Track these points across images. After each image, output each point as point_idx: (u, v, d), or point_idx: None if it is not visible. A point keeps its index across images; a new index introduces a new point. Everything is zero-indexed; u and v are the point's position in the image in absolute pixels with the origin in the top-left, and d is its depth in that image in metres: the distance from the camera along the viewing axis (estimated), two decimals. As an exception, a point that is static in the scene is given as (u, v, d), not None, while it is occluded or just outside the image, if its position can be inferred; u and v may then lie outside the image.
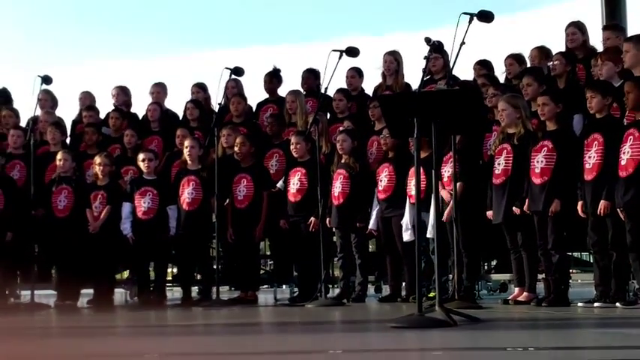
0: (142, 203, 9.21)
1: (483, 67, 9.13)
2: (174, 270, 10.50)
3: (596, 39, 8.82)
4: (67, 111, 11.20)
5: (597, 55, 8.00)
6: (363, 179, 8.85)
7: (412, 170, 7.74)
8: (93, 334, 6.57)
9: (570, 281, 7.82)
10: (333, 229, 9.00)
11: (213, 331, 6.76)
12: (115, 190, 9.37)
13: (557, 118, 7.50)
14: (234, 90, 10.19)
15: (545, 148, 7.41)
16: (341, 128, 9.24)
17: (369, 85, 10.09)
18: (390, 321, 5.78)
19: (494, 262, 9.55)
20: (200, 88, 10.66)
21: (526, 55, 8.98)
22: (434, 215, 7.05)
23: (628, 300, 6.98)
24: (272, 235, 9.68)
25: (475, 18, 7.27)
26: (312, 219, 8.88)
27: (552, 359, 3.92)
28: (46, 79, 9.66)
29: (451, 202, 7.68)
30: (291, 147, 9.17)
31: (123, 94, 10.87)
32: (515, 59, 8.94)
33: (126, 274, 10.39)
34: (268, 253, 10.58)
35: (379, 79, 9.82)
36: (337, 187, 8.86)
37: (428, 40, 7.51)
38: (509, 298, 7.92)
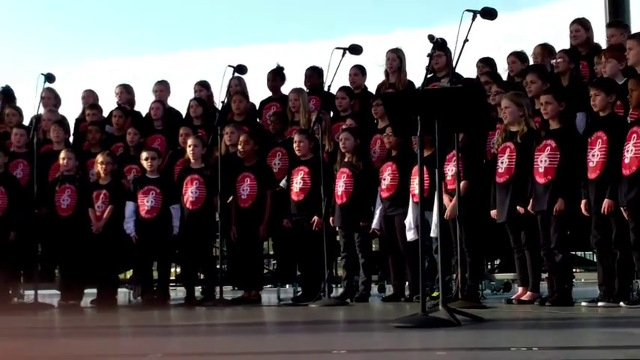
0: (145, 202, 9.20)
1: (486, 64, 9.11)
2: (178, 269, 10.50)
3: (600, 36, 8.82)
4: (70, 109, 11.21)
5: (601, 53, 7.97)
6: (366, 178, 8.83)
7: (415, 169, 7.76)
8: (96, 333, 6.58)
9: (574, 280, 7.78)
10: (337, 229, 8.98)
11: (216, 330, 6.76)
12: (117, 189, 9.36)
13: (560, 117, 7.48)
14: (238, 88, 10.17)
15: (549, 148, 7.38)
16: (344, 126, 9.23)
17: (372, 83, 10.09)
18: (394, 321, 5.77)
19: (497, 262, 9.53)
20: (203, 87, 10.64)
21: (529, 52, 8.96)
22: (437, 214, 7.04)
23: (632, 299, 6.94)
24: (275, 235, 9.67)
25: (478, 15, 7.25)
26: (316, 218, 8.86)
27: (556, 358, 3.90)
28: (49, 78, 9.66)
29: (453, 200, 7.67)
30: (294, 145, 9.16)
31: (126, 93, 10.86)
32: (517, 57, 8.92)
33: (129, 273, 10.37)
34: (272, 252, 10.57)
35: (382, 77, 9.81)
36: (340, 186, 8.84)
37: (431, 38, 7.50)
38: (513, 297, 7.90)
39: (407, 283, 8.75)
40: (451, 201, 7.74)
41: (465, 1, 7.73)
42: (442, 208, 7.11)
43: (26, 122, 10.36)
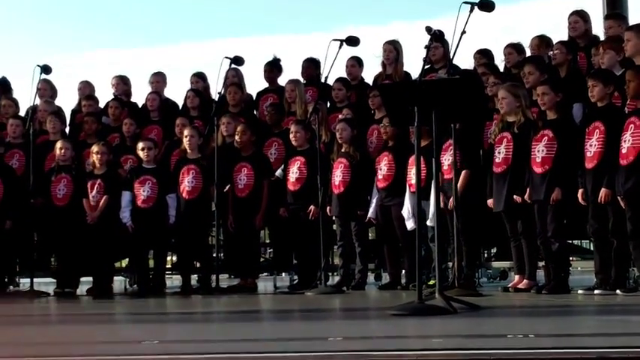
0: (142, 192, 9.19)
1: (483, 56, 9.11)
2: (174, 258, 10.49)
3: (598, 28, 8.82)
4: (67, 100, 11.19)
5: (599, 44, 7.98)
6: (363, 168, 8.84)
7: (412, 159, 7.76)
8: (92, 321, 6.57)
9: (570, 269, 7.81)
10: (333, 218, 8.99)
11: (212, 318, 6.76)
12: (112, 178, 9.34)
13: (557, 108, 7.49)
14: (235, 79, 10.16)
15: (546, 138, 7.40)
16: (340, 117, 9.23)
17: (369, 75, 10.09)
18: (390, 308, 5.77)
19: (494, 250, 9.55)
20: (199, 78, 10.62)
21: (526, 44, 8.95)
22: (434, 203, 7.04)
23: (628, 287, 6.99)
24: (272, 224, 9.67)
25: (476, 7, 7.26)
26: (312, 207, 8.86)
27: (552, 346, 3.90)
28: (46, 69, 9.64)
29: (454, 191, 7.67)
30: (291, 136, 9.16)
31: (122, 84, 10.84)
32: (514, 48, 8.91)
33: (125, 262, 10.37)
34: (268, 241, 10.58)
35: (379, 69, 9.81)
36: (338, 175, 8.85)
37: (429, 30, 7.51)
38: (510, 285, 7.91)
39: (403, 271, 8.77)
40: (448, 197, 7.73)
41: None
42: (439, 198, 7.11)
43: (22, 113, 10.34)
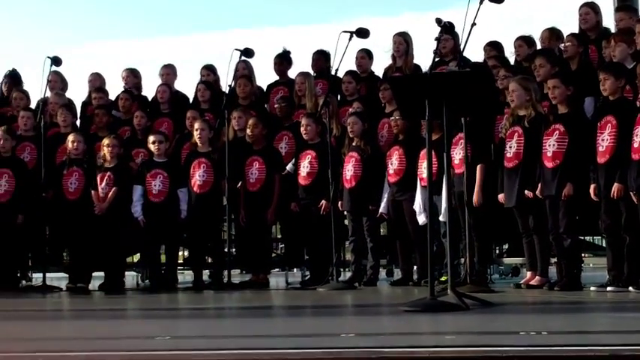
0: (153, 186, 9.19)
1: (494, 48, 9.06)
2: (186, 253, 10.51)
3: (609, 20, 8.77)
4: (77, 93, 11.19)
5: (610, 37, 7.93)
6: (374, 162, 8.81)
7: (423, 153, 7.74)
8: (104, 316, 6.59)
9: (582, 265, 7.78)
10: (345, 213, 8.97)
11: (224, 314, 6.78)
12: (123, 171, 9.32)
13: (568, 101, 7.44)
14: (245, 72, 10.14)
15: (557, 132, 7.35)
16: (350, 110, 9.21)
17: (378, 67, 10.06)
18: (403, 304, 5.77)
19: (506, 246, 9.51)
20: (209, 70, 10.59)
21: (536, 36, 8.91)
22: (446, 198, 7.03)
23: (641, 283, 6.95)
24: (283, 219, 9.66)
25: (486, -1, 7.22)
26: (324, 202, 8.84)
27: (565, 343, 3.89)
28: (56, 61, 9.64)
29: (476, 186, 7.65)
30: (302, 129, 9.13)
31: (133, 77, 10.83)
32: (524, 41, 8.86)
33: (137, 257, 10.38)
34: (279, 236, 10.57)
35: (389, 61, 9.78)
36: (349, 170, 8.82)
37: (439, 21, 7.48)
38: (522, 282, 7.88)
39: (415, 267, 8.75)
40: (458, 194, 7.72)
41: (474, -15, 7.67)
42: (450, 193, 7.10)
43: (33, 105, 10.34)
